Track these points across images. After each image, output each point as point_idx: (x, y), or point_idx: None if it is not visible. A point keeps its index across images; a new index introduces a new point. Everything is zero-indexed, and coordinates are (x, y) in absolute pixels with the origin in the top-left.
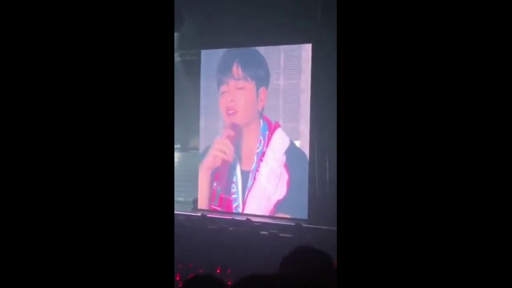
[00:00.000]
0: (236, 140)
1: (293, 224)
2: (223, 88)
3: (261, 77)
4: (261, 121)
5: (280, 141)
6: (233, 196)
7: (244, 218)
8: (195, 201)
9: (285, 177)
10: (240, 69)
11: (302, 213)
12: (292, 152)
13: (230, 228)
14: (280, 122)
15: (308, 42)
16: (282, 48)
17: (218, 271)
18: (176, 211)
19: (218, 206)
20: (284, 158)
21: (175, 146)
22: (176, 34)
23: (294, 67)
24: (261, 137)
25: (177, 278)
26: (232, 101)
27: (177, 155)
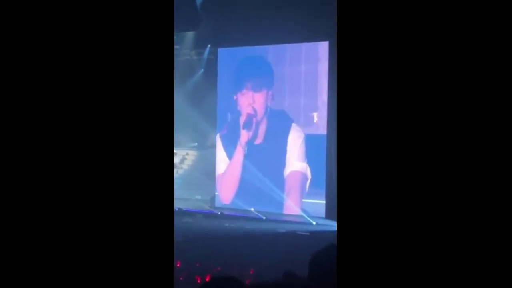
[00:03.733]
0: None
1: (310, 222)
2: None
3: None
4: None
5: (296, 136)
6: None
7: (261, 216)
8: (212, 199)
9: (307, 175)
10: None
11: (319, 211)
12: (309, 150)
13: (248, 226)
14: (301, 119)
15: (325, 40)
16: (303, 46)
17: (235, 269)
18: (194, 209)
19: None
20: (303, 155)
21: (193, 145)
22: (193, 33)
23: (312, 65)
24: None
25: (196, 278)
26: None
27: (194, 153)
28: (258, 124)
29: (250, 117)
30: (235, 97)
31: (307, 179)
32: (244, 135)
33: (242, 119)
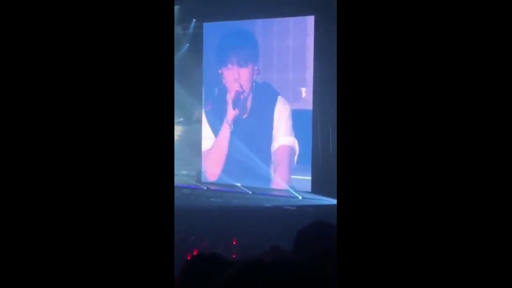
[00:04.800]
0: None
1: (296, 196)
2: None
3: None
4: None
5: (283, 109)
6: None
7: (248, 191)
8: (198, 174)
9: (295, 149)
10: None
11: (305, 185)
12: (297, 125)
13: (234, 201)
14: (290, 94)
15: (310, 15)
16: (289, 20)
17: (221, 243)
18: (180, 184)
19: None
20: (290, 129)
21: (178, 120)
22: (178, 7)
23: (299, 40)
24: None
25: (188, 257)
26: (236, 79)
27: (179, 128)
28: (245, 99)
29: (238, 94)
30: (219, 71)
31: (295, 153)
32: (232, 113)
33: (229, 96)
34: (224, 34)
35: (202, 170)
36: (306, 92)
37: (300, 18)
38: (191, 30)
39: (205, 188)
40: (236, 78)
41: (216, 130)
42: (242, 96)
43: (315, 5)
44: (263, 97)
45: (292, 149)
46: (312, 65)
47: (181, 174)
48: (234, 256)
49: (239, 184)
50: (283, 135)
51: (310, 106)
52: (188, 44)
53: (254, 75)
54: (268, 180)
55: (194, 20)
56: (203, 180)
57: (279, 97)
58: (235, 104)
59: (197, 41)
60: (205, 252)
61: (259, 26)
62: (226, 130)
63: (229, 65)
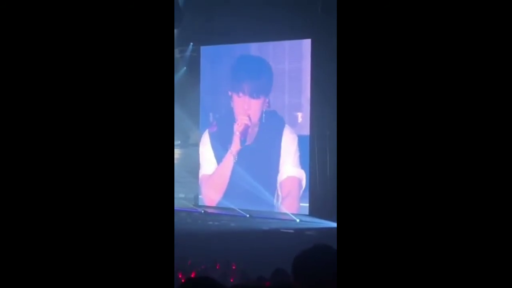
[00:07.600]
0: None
1: (294, 219)
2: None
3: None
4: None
5: (291, 138)
6: None
7: (245, 214)
8: (196, 197)
9: (302, 183)
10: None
11: (303, 208)
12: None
13: (232, 224)
14: (286, 119)
15: (307, 38)
16: (286, 43)
17: (218, 267)
18: (178, 207)
19: None
20: (298, 160)
21: (176, 143)
22: (175, 31)
23: (295, 63)
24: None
25: (179, 276)
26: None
27: (177, 151)
28: (252, 131)
29: (246, 127)
30: (229, 93)
31: (302, 186)
32: (237, 145)
33: (237, 128)
34: (239, 57)
35: (200, 195)
36: (302, 117)
37: (297, 41)
38: (188, 53)
39: (202, 211)
40: (245, 108)
41: (218, 155)
42: (250, 130)
43: (311, 28)
44: (270, 125)
45: (300, 181)
46: (309, 88)
47: (179, 197)
48: (232, 280)
49: (236, 208)
50: (292, 166)
51: (306, 131)
52: (185, 67)
53: (264, 107)
54: (271, 207)
55: (191, 43)
56: (201, 202)
57: (286, 126)
58: (242, 137)
59: (194, 64)
60: (201, 276)
61: (254, 50)
62: (229, 160)
63: (241, 93)
